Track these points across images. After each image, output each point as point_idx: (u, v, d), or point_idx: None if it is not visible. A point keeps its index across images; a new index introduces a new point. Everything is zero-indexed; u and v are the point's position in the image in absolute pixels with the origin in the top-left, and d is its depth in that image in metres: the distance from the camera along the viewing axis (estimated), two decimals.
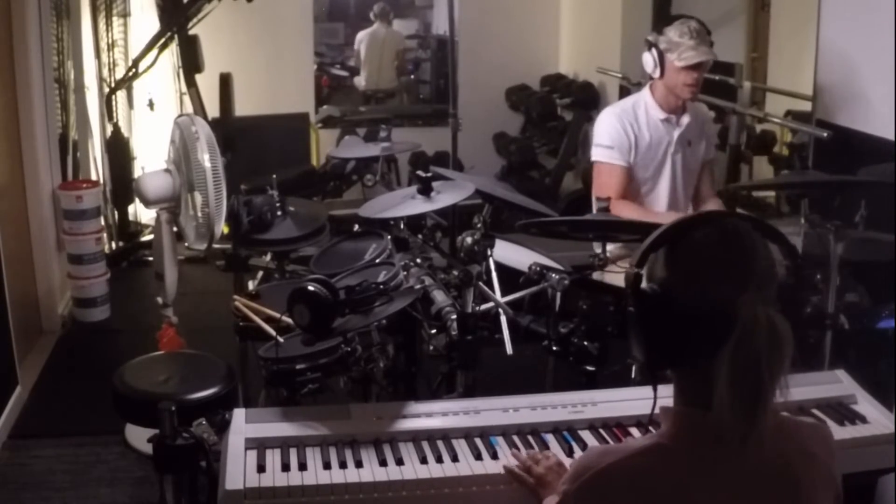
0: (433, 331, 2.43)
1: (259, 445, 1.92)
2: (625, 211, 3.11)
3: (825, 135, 3.29)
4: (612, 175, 3.20)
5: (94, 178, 5.35)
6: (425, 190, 2.49)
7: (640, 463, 1.31)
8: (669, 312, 1.31)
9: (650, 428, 1.71)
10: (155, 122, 5.86)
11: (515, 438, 1.99)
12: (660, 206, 3.26)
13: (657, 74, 3.14)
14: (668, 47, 3.08)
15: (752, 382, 1.22)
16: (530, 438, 2.00)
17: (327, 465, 1.87)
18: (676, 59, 3.07)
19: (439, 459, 1.91)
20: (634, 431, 2.02)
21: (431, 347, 2.45)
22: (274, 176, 3.54)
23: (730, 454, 1.28)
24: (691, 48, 3.04)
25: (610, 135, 3.20)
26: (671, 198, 3.27)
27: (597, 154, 3.24)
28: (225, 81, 5.38)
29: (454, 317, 2.28)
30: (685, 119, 3.22)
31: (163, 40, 5.42)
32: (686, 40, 3.04)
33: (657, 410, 1.38)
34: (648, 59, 3.14)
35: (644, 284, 1.35)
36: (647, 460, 1.31)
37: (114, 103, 5.61)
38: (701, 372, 1.27)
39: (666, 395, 1.39)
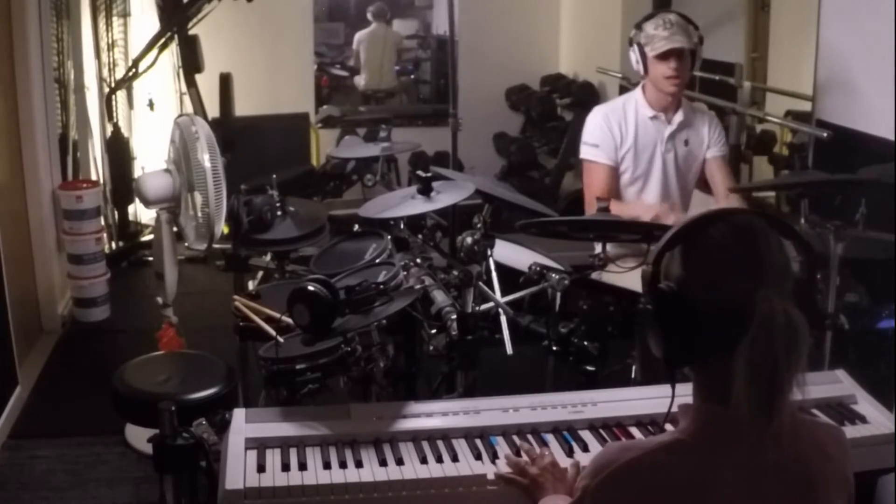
0: (433, 331, 2.43)
1: (259, 445, 1.91)
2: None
3: (825, 135, 3.29)
4: (597, 173, 3.22)
5: (94, 178, 5.35)
6: (425, 190, 2.49)
7: (660, 459, 1.31)
8: (687, 310, 1.31)
9: (664, 426, 1.70)
10: (155, 122, 5.86)
11: (515, 438, 1.99)
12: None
13: (641, 71, 3.16)
14: (645, 41, 3.09)
15: (769, 378, 1.23)
16: (530, 438, 2.00)
17: (327, 465, 1.87)
18: (650, 51, 3.08)
19: (439, 459, 1.91)
20: (634, 431, 2.02)
21: (431, 347, 2.45)
22: (274, 176, 3.54)
23: (748, 451, 1.28)
24: (664, 38, 3.04)
25: (594, 134, 3.22)
26: (661, 196, 3.26)
27: (584, 152, 3.27)
28: (225, 81, 5.38)
29: (454, 317, 2.28)
30: (677, 117, 3.21)
31: (163, 40, 5.42)
32: (660, 31, 3.05)
33: (653, 410, 1.38)
34: (632, 56, 3.16)
35: (661, 283, 1.35)
36: (667, 456, 1.31)
37: (114, 103, 5.61)
38: (719, 368, 1.28)
39: (678, 393, 1.39)
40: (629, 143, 3.21)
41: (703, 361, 1.35)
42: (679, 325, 1.32)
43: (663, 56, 3.06)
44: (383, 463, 1.88)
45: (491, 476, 1.87)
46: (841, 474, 1.37)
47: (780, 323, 1.23)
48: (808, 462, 1.33)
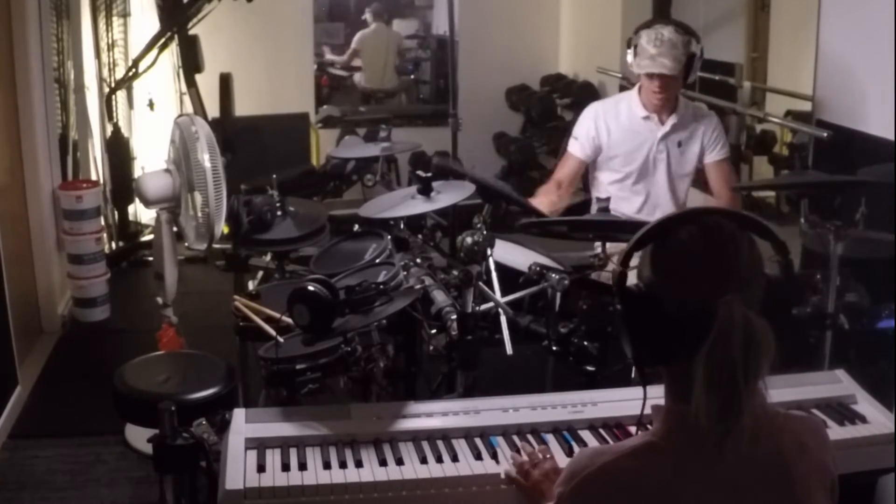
0: (433, 331, 2.43)
1: (259, 445, 1.92)
2: (542, 192, 3.37)
3: (825, 135, 3.29)
4: (564, 162, 3.38)
5: (94, 178, 5.35)
6: (425, 190, 2.49)
7: (633, 462, 1.31)
8: (653, 311, 1.31)
9: (647, 426, 1.70)
10: (155, 122, 5.86)
11: (515, 438, 1.99)
12: (636, 203, 3.28)
13: (635, 73, 3.19)
14: (638, 51, 3.10)
15: (727, 384, 1.22)
16: (530, 438, 2.00)
17: (327, 465, 1.87)
18: (636, 66, 3.12)
19: (439, 459, 1.91)
20: (634, 431, 2.02)
21: (431, 347, 2.44)
22: (274, 176, 3.54)
23: (717, 452, 1.28)
24: (649, 58, 3.05)
25: (579, 128, 3.33)
26: (647, 197, 3.27)
27: (568, 142, 3.38)
28: (225, 81, 5.38)
29: (454, 317, 2.28)
30: (671, 120, 3.21)
31: (163, 40, 5.42)
32: (650, 48, 3.05)
33: (648, 410, 1.38)
34: (628, 58, 3.19)
35: (631, 283, 1.35)
36: (640, 460, 1.31)
37: (114, 103, 5.61)
38: (685, 371, 1.27)
39: (659, 395, 1.39)
40: (618, 142, 3.23)
41: (670, 363, 1.35)
42: (646, 325, 1.32)
43: (649, 75, 3.10)
44: (383, 463, 1.89)
45: (491, 474, 1.87)
46: (820, 465, 1.36)
47: (738, 329, 1.22)
48: (783, 456, 1.33)
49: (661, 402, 1.38)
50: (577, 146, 3.30)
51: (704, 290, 1.27)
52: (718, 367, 1.22)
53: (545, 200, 3.29)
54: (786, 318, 1.30)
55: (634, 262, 1.39)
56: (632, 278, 1.37)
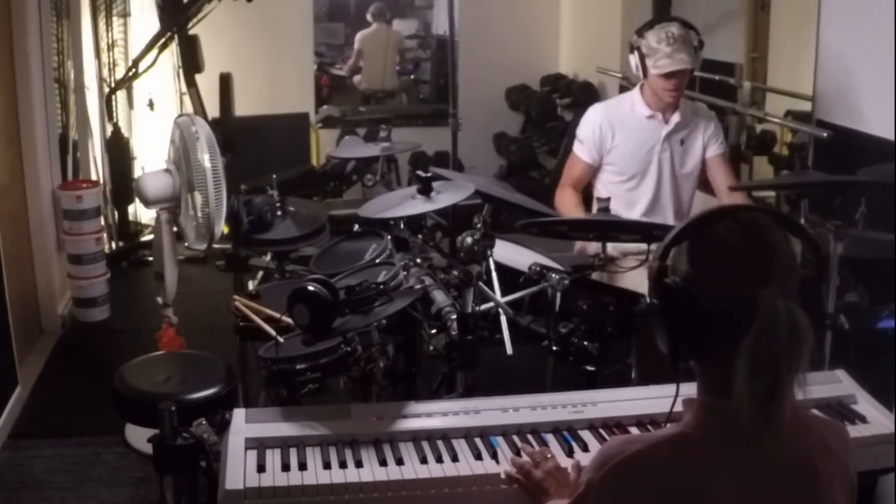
0: (433, 331, 2.43)
1: (259, 445, 1.91)
2: (561, 198, 3.31)
3: (825, 135, 3.29)
4: (572, 164, 3.35)
5: (94, 178, 5.35)
6: (425, 190, 2.49)
7: (665, 452, 1.32)
8: (692, 305, 1.32)
9: (648, 426, 1.70)
10: (155, 122, 5.86)
11: (515, 438, 1.99)
12: (642, 204, 3.27)
13: (641, 75, 3.17)
14: (647, 52, 3.09)
15: (770, 376, 1.24)
16: (530, 438, 2.00)
17: (327, 465, 1.86)
18: (652, 67, 3.09)
19: (439, 459, 1.91)
20: (634, 431, 2.02)
21: (431, 347, 2.44)
22: (274, 176, 3.54)
23: (751, 445, 1.29)
24: (666, 56, 3.05)
25: (584, 130, 3.31)
26: (654, 196, 3.27)
27: (573, 145, 3.36)
28: (225, 81, 5.38)
29: (454, 317, 2.27)
30: (675, 118, 3.22)
31: (163, 40, 5.43)
32: (663, 47, 3.04)
33: (651, 407, 1.39)
34: (632, 61, 3.18)
35: (668, 278, 1.36)
36: (671, 449, 1.32)
37: (114, 103, 5.61)
38: (723, 364, 1.29)
39: (669, 394, 1.39)
40: (622, 143, 3.23)
41: (706, 357, 1.35)
42: (684, 320, 1.33)
43: (666, 74, 3.08)
44: (383, 463, 1.88)
45: (491, 474, 1.86)
46: (843, 468, 1.38)
47: (782, 322, 1.24)
48: (810, 456, 1.34)
49: (682, 399, 1.39)
50: (584, 150, 3.28)
51: (744, 283, 1.28)
52: (763, 359, 1.23)
53: (582, 209, 3.27)
54: (820, 314, 1.31)
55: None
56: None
